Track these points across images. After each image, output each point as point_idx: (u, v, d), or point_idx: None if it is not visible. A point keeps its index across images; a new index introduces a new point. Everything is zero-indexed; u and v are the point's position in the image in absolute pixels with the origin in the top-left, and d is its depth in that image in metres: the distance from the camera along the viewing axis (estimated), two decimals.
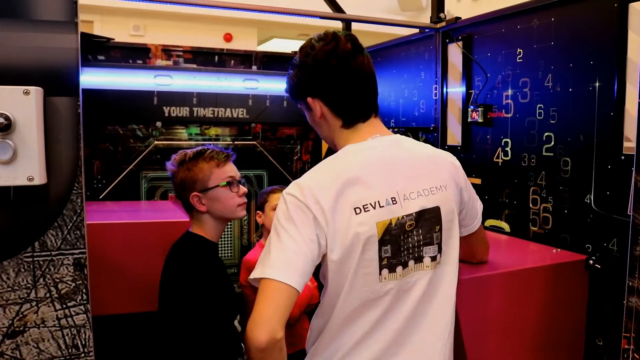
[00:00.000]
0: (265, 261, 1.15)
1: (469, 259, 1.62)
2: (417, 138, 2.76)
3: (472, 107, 2.35)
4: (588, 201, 1.87)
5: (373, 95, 1.32)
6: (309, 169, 3.79)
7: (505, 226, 2.25)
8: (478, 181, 2.37)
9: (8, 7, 0.83)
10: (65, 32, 0.85)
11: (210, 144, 1.89)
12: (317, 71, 1.26)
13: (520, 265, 1.74)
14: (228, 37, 6.24)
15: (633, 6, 1.71)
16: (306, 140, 3.51)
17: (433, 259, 1.29)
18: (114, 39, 3.04)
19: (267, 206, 2.40)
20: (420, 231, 1.26)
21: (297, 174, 3.51)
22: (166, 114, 3.19)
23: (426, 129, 2.69)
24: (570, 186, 1.94)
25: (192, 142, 3.25)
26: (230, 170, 1.80)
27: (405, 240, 1.24)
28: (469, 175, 2.35)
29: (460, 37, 2.41)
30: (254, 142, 3.41)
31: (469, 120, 2.37)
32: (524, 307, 1.73)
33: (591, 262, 1.81)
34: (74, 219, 0.90)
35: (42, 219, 0.87)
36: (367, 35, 3.79)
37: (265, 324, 1.08)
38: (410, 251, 1.26)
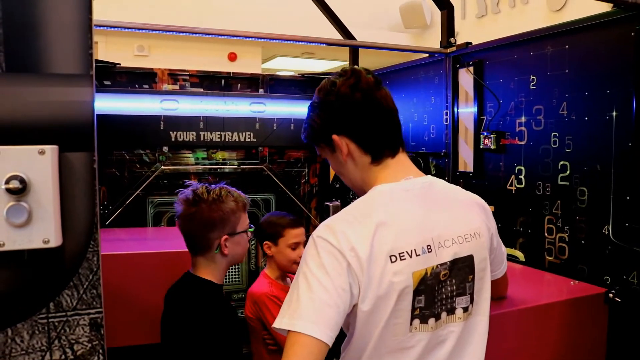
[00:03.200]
0: (294, 311, 1.06)
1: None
2: (427, 163, 2.73)
3: (484, 133, 2.32)
4: (606, 232, 1.83)
5: (398, 129, 1.26)
6: (316, 192, 3.77)
7: (520, 255, 2.21)
8: (491, 208, 2.33)
9: (22, 61, 0.80)
10: (81, 85, 0.82)
11: (222, 183, 1.83)
12: (342, 107, 1.20)
13: (539, 301, 1.69)
14: (232, 56, 6.24)
15: None
16: (314, 164, 3.48)
17: (465, 309, 1.22)
18: (120, 64, 3.03)
19: (282, 242, 2.24)
20: (453, 281, 1.19)
21: (304, 198, 3.48)
22: (173, 139, 3.16)
23: (437, 154, 2.66)
24: (587, 216, 1.90)
25: (199, 167, 3.22)
26: (247, 215, 1.77)
27: (440, 291, 1.17)
28: None
29: (471, 62, 2.39)
30: (262, 166, 3.39)
31: (481, 146, 2.34)
32: (542, 343, 1.68)
33: (611, 295, 1.76)
34: (90, 277, 0.86)
35: (57, 279, 0.84)
36: (371, 53, 3.77)
37: None
38: (443, 302, 1.19)
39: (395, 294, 1.10)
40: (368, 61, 3.11)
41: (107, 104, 2.94)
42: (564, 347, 1.71)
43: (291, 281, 2.50)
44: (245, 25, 4.54)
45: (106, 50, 4.74)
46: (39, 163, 0.77)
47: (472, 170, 2.43)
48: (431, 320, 1.17)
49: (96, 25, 2.47)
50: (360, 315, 1.11)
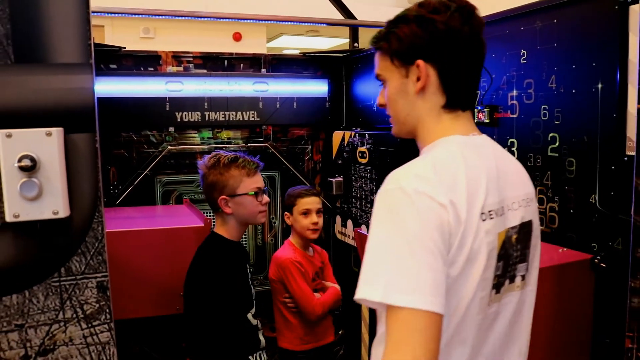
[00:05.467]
0: (402, 281, 0.88)
1: None
2: None
3: (478, 107, 2.38)
4: (593, 201, 1.90)
5: (477, 86, 1.15)
6: (320, 168, 3.86)
7: None
8: None
9: (29, 52, 0.89)
10: (82, 73, 0.91)
11: (241, 152, 2.03)
12: (447, 33, 1.04)
13: None
14: (237, 36, 6.29)
15: (633, 8, 1.73)
16: (317, 141, 3.56)
17: (523, 278, 1.14)
18: (125, 48, 3.11)
19: (295, 210, 2.52)
20: (518, 246, 1.10)
21: (308, 174, 3.57)
22: (178, 119, 3.26)
23: None
24: (576, 186, 1.97)
25: (205, 146, 3.32)
26: (258, 180, 1.96)
27: (510, 256, 1.08)
28: None
29: None
30: (266, 144, 3.47)
31: (475, 120, 2.40)
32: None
33: (596, 261, 1.84)
34: (96, 245, 0.96)
35: (66, 247, 0.94)
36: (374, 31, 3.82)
37: None
38: (509, 269, 1.09)
39: (484, 257, 0.98)
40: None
41: (114, 87, 3.03)
42: (551, 313, 1.79)
43: (314, 251, 2.69)
44: (249, 5, 4.59)
45: (112, 33, 4.81)
46: (46, 144, 0.86)
47: None
48: (503, 289, 1.08)
49: (100, 12, 2.56)
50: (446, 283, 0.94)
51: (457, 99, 1.09)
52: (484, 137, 1.16)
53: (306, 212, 2.55)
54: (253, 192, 1.90)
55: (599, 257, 1.84)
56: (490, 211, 1.00)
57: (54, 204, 0.87)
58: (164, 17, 2.57)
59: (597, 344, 1.89)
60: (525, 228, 1.12)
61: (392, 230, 0.91)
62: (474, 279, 0.97)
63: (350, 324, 3.21)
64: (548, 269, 1.82)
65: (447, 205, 0.93)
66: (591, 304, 1.88)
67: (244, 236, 3.51)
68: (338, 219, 3.50)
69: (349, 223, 3.34)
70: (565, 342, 1.84)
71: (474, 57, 1.09)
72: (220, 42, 5.46)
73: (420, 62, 1.06)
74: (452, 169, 0.98)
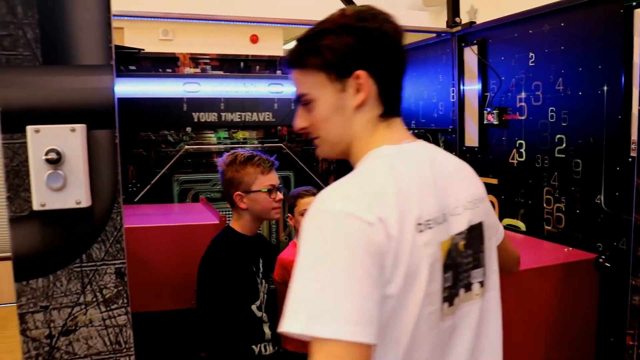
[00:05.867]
0: (324, 309, 0.81)
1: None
2: (436, 139, 2.85)
3: (487, 109, 2.42)
4: (598, 201, 1.94)
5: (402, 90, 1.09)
6: (334, 169, 3.91)
7: (521, 225, 2.32)
8: (495, 181, 2.45)
9: (55, 55, 0.97)
10: (103, 74, 0.99)
11: (258, 151, 2.11)
12: (384, 40, 0.99)
13: (531, 264, 1.82)
14: (254, 38, 6.37)
15: (638, 12, 1.77)
16: None
17: (481, 284, 1.07)
18: (143, 50, 3.20)
19: (296, 211, 2.54)
20: (469, 252, 1.03)
21: (322, 175, 3.63)
22: (195, 120, 3.34)
23: (445, 130, 2.77)
24: (582, 187, 2.01)
25: (221, 146, 3.40)
26: (273, 178, 2.03)
27: (460, 264, 1.01)
28: (485, 175, 2.45)
29: (475, 41, 2.48)
30: (281, 145, 3.54)
31: (485, 122, 2.45)
32: (535, 305, 1.80)
33: (601, 260, 1.87)
34: (115, 234, 1.04)
35: (88, 235, 1.02)
36: None
37: None
38: (462, 277, 1.02)
39: (426, 270, 0.91)
40: None
41: (133, 88, 3.12)
42: (557, 309, 1.83)
43: None
44: (266, 8, 4.66)
45: (131, 35, 4.92)
46: (71, 139, 0.94)
47: (477, 145, 2.54)
48: (456, 300, 1.01)
49: (120, 16, 2.65)
50: (389, 302, 0.88)
51: (393, 106, 1.04)
52: (418, 143, 1.07)
53: (304, 213, 2.56)
54: (267, 189, 1.98)
55: (603, 257, 1.87)
56: (428, 221, 0.93)
57: (77, 194, 0.95)
58: (182, 20, 2.65)
59: (601, 342, 1.92)
60: (474, 231, 1.05)
61: (317, 257, 0.85)
62: (417, 295, 0.90)
63: None
64: (552, 267, 1.86)
65: (375, 223, 0.86)
66: (596, 303, 1.91)
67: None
68: None
69: None
70: (570, 340, 1.87)
71: (404, 62, 1.04)
72: (237, 44, 5.54)
73: (360, 72, 0.98)
74: (379, 184, 0.92)
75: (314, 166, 3.61)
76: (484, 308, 1.07)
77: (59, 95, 0.96)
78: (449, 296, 0.98)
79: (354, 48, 0.98)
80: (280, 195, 2.05)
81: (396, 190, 0.90)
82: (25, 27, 0.95)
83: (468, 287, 1.03)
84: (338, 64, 0.99)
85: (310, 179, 3.55)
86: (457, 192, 1.03)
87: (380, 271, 0.85)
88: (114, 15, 2.42)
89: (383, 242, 0.85)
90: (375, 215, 0.86)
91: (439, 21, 6.14)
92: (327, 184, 3.62)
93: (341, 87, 1.00)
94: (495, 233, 1.17)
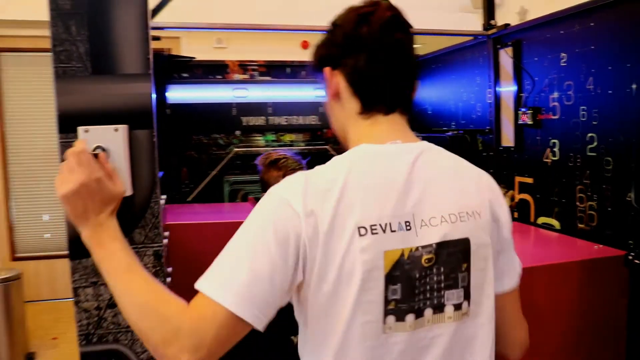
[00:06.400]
0: (221, 275, 0.89)
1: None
2: (475, 140, 2.89)
3: (522, 109, 2.46)
4: (629, 199, 1.95)
5: (403, 85, 1.04)
6: None
7: (556, 223, 2.34)
8: (530, 180, 2.48)
9: (102, 66, 1.14)
10: (143, 82, 1.15)
11: (287, 150, 2.26)
12: (344, 35, 1.01)
13: (556, 259, 1.86)
14: (305, 44, 6.55)
15: None
16: None
17: (457, 307, 0.97)
18: (195, 58, 3.42)
19: None
20: (441, 269, 0.95)
21: None
22: (244, 123, 3.53)
23: (482, 131, 2.82)
24: (613, 185, 2.02)
25: (269, 148, 3.57)
26: None
27: (422, 281, 0.94)
28: (521, 175, 2.49)
29: (509, 43, 2.52)
30: (326, 147, 3.68)
31: (519, 122, 2.48)
32: (560, 301, 1.83)
33: (630, 257, 1.88)
34: (153, 220, 1.19)
35: (130, 220, 1.18)
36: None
37: None
38: (428, 296, 0.95)
39: (360, 275, 0.89)
40: (435, 43, 3.28)
41: (186, 94, 3.34)
42: (583, 305, 1.85)
43: None
44: (317, 14, 4.80)
45: (188, 44, 5.19)
46: (115, 137, 1.10)
47: (513, 145, 2.58)
48: (409, 317, 0.93)
49: (173, 27, 2.86)
50: (315, 304, 0.90)
51: (372, 103, 1.02)
52: (410, 144, 1.01)
53: None
54: None
55: (632, 254, 1.88)
56: (372, 226, 0.90)
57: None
58: (233, 30, 2.83)
59: (632, 340, 1.93)
60: (452, 247, 0.96)
61: (242, 228, 0.91)
62: (348, 300, 0.89)
63: None
64: (579, 262, 1.89)
65: (305, 215, 0.87)
66: (625, 300, 1.92)
67: None
68: None
69: None
70: (598, 337, 1.89)
71: (380, 56, 1.00)
72: (288, 50, 5.71)
73: (325, 69, 1.03)
74: (327, 180, 0.92)
75: None
76: (461, 335, 0.98)
77: (105, 100, 1.13)
78: (398, 310, 0.92)
79: (322, 47, 1.06)
80: None
81: (342, 189, 0.90)
82: (78, 43, 1.12)
83: (439, 308, 0.95)
84: (314, 63, 1.07)
85: None
86: (437, 201, 0.96)
87: (296, 262, 0.87)
88: (169, 28, 2.64)
89: (310, 234, 0.87)
90: (307, 207, 0.88)
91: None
92: None
93: (324, 82, 1.06)
94: (497, 257, 1.04)
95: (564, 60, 2.22)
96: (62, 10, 1.11)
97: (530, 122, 2.41)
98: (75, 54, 1.12)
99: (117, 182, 1.04)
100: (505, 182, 2.65)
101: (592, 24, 2.07)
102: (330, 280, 0.88)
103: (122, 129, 1.11)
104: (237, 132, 3.53)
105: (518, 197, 2.57)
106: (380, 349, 0.92)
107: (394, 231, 0.91)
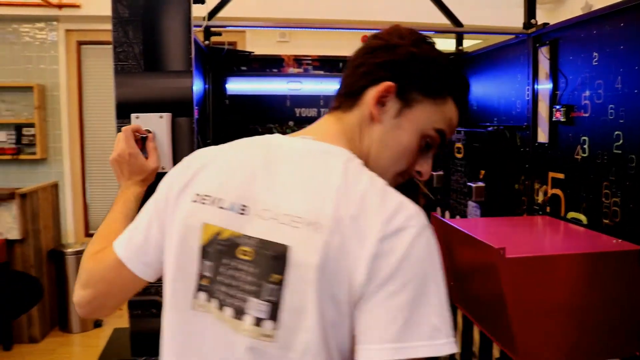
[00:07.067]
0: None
1: None
2: (513, 136, 2.98)
3: (556, 107, 2.53)
4: None
5: (344, 83, 1.17)
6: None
7: (583, 218, 2.41)
8: (562, 176, 2.55)
9: (153, 64, 1.39)
10: (185, 77, 1.39)
11: None
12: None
13: (568, 250, 1.95)
14: (365, 39, 6.68)
15: None
16: None
17: (257, 323, 0.82)
18: (253, 53, 3.68)
19: None
20: (250, 269, 0.84)
21: None
22: (297, 115, 3.75)
23: (520, 127, 2.90)
24: (636, 182, 2.08)
25: None
26: None
27: (230, 272, 0.86)
28: (554, 170, 2.57)
29: (547, 42, 2.60)
30: None
31: (553, 119, 2.56)
32: (575, 292, 1.91)
33: None
34: None
35: None
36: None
37: None
38: (231, 294, 0.85)
39: (177, 235, 0.93)
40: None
41: (244, 86, 3.61)
42: (597, 297, 1.93)
43: None
44: (377, 9, 4.95)
45: (252, 38, 5.49)
46: (160, 123, 1.35)
47: (547, 141, 2.65)
48: (214, 302, 0.87)
49: (235, 26, 3.12)
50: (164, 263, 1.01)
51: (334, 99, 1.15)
52: (292, 138, 1.03)
53: None
54: None
55: None
56: (206, 196, 0.92)
57: (163, 162, 1.36)
58: (295, 28, 3.06)
59: None
60: (266, 250, 0.84)
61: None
62: (170, 256, 0.96)
63: None
64: (592, 255, 1.96)
65: (169, 182, 1.03)
66: None
67: None
68: (438, 209, 3.76)
69: (447, 214, 3.59)
70: (613, 330, 1.95)
71: (348, 73, 1.18)
72: (350, 44, 5.90)
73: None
74: (202, 155, 1.05)
75: None
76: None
77: (153, 92, 1.38)
78: (209, 291, 0.87)
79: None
80: None
81: (201, 164, 1.00)
82: (134, 45, 1.37)
83: (239, 313, 0.84)
84: None
85: None
86: (276, 197, 0.88)
87: (156, 221, 1.02)
88: (231, 25, 2.88)
89: (168, 198, 1.00)
90: (175, 176, 1.03)
91: (552, 19, 5.99)
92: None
93: None
94: (323, 286, 0.80)
95: (595, 59, 2.29)
96: (122, 17, 1.37)
97: (563, 119, 2.48)
98: (131, 54, 1.37)
99: (153, 159, 1.31)
100: (539, 178, 2.73)
101: (621, 25, 2.13)
102: (167, 243, 0.97)
103: (166, 116, 1.36)
104: (291, 123, 3.75)
105: (550, 192, 2.65)
106: (190, 325, 0.89)
107: (222, 208, 0.89)
